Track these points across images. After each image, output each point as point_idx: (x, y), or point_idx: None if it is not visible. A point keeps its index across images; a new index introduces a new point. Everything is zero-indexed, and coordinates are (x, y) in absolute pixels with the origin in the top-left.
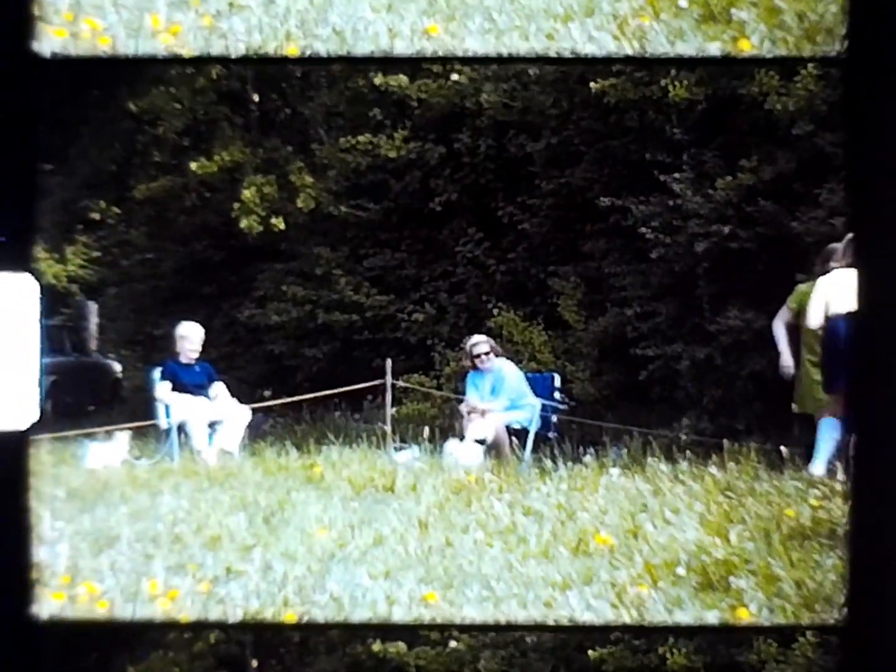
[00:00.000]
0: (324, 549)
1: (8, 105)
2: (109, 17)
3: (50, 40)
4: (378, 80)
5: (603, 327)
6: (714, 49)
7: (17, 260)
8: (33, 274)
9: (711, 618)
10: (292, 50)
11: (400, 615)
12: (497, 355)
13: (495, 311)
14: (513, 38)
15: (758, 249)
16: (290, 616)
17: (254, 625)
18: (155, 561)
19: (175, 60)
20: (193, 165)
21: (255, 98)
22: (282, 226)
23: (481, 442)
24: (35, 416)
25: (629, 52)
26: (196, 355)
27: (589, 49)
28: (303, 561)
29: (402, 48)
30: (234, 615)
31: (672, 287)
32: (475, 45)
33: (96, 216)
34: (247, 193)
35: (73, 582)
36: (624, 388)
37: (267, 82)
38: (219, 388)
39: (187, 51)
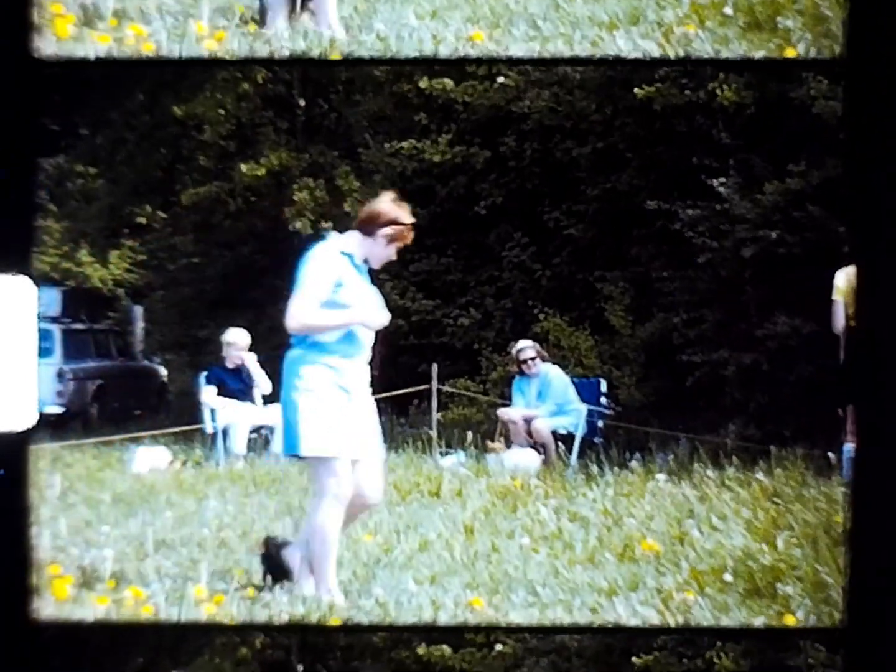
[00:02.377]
0: (369, 554)
1: (7, 106)
2: (154, 22)
3: (95, 45)
4: (423, 83)
5: (650, 332)
6: (759, 57)
7: (16, 262)
8: (31, 276)
9: (759, 624)
10: (336, 55)
11: (445, 620)
12: (543, 360)
13: (541, 316)
14: (557, 45)
15: (805, 255)
16: (335, 621)
17: (298, 627)
18: (200, 565)
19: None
20: (243, 168)
21: (301, 103)
22: (331, 229)
23: (538, 449)
24: (34, 417)
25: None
26: (241, 363)
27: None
28: (348, 566)
29: (446, 55)
30: (280, 620)
31: (719, 292)
32: (519, 52)
33: (143, 221)
34: (301, 196)
35: (118, 586)
36: (670, 393)
37: (312, 87)
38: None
39: (231, 55)
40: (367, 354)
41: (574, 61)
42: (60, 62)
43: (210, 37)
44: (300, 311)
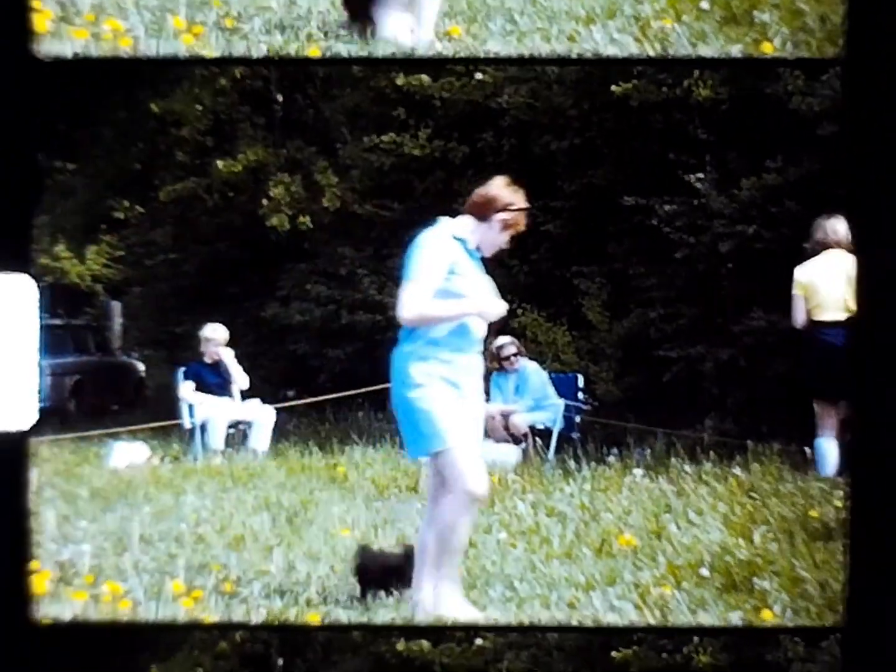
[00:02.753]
0: (347, 549)
1: (7, 106)
2: (132, 18)
3: (71, 41)
4: (400, 80)
5: (627, 328)
6: (736, 52)
7: (16, 260)
8: (31, 275)
9: (735, 619)
10: (314, 51)
11: (423, 615)
12: (521, 356)
13: (519, 312)
14: (535, 40)
15: (782, 250)
16: (313, 616)
17: (276, 627)
18: (178, 560)
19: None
20: (220, 164)
21: (279, 98)
22: (309, 225)
23: (517, 441)
24: (35, 416)
25: (651, 54)
26: (218, 358)
27: (611, 52)
28: (326, 561)
29: (423, 49)
30: (258, 615)
31: (696, 288)
32: (497, 47)
33: (120, 216)
34: (276, 191)
35: (96, 581)
36: (648, 388)
37: (289, 83)
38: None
39: (209, 52)
40: (479, 347)
41: (548, 60)
42: (61, 62)
43: (188, 31)
44: (415, 301)
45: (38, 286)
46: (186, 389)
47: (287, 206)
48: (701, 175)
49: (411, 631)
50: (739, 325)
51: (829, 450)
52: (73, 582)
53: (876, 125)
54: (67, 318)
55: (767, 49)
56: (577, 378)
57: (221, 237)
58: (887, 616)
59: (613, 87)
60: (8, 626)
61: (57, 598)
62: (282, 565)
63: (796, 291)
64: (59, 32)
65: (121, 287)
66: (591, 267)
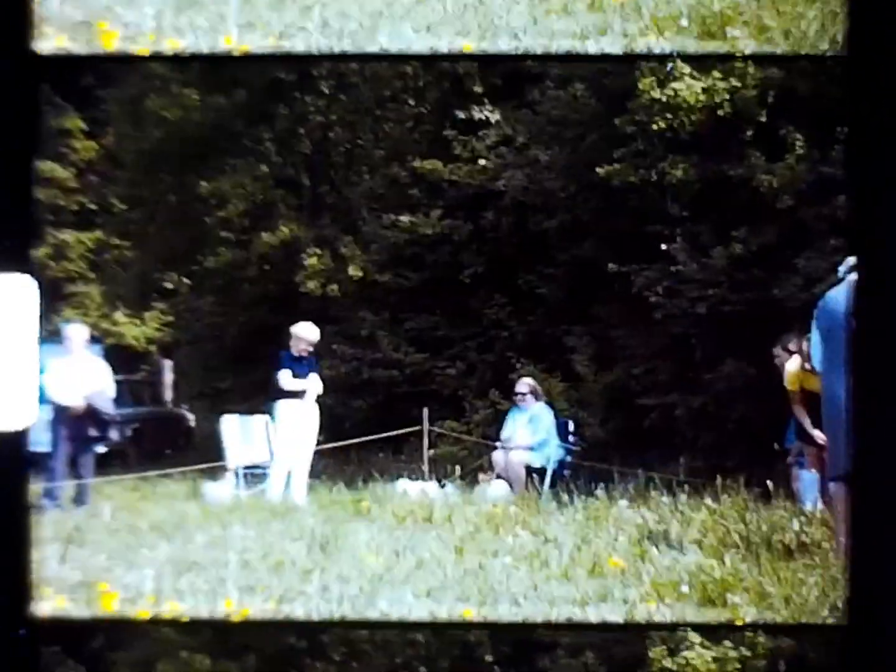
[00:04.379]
0: (373, 572)
1: (7, 106)
2: (188, 36)
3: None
4: (416, 164)
5: (611, 380)
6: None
7: (17, 260)
8: (32, 274)
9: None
10: None
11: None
12: (537, 398)
13: (518, 366)
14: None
15: (747, 311)
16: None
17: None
18: (228, 583)
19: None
20: (263, 236)
21: (307, 183)
22: (337, 292)
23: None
24: (34, 416)
25: None
26: (306, 353)
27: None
28: (355, 582)
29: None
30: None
31: (671, 344)
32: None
33: (170, 286)
34: (311, 262)
35: (157, 601)
36: (629, 432)
37: (316, 169)
38: (315, 380)
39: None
40: None
41: (532, 57)
42: (59, 59)
43: (237, 50)
44: None
45: (102, 347)
46: (286, 377)
47: (319, 275)
48: (675, 245)
49: (413, 626)
50: (711, 373)
51: (812, 482)
52: (138, 602)
53: (876, 121)
54: (126, 374)
55: (738, 62)
56: (567, 423)
57: (259, 304)
58: (887, 616)
59: (597, 170)
60: (7, 626)
61: (124, 616)
62: (317, 586)
63: (787, 385)
64: (123, 50)
65: (171, 347)
66: (579, 326)
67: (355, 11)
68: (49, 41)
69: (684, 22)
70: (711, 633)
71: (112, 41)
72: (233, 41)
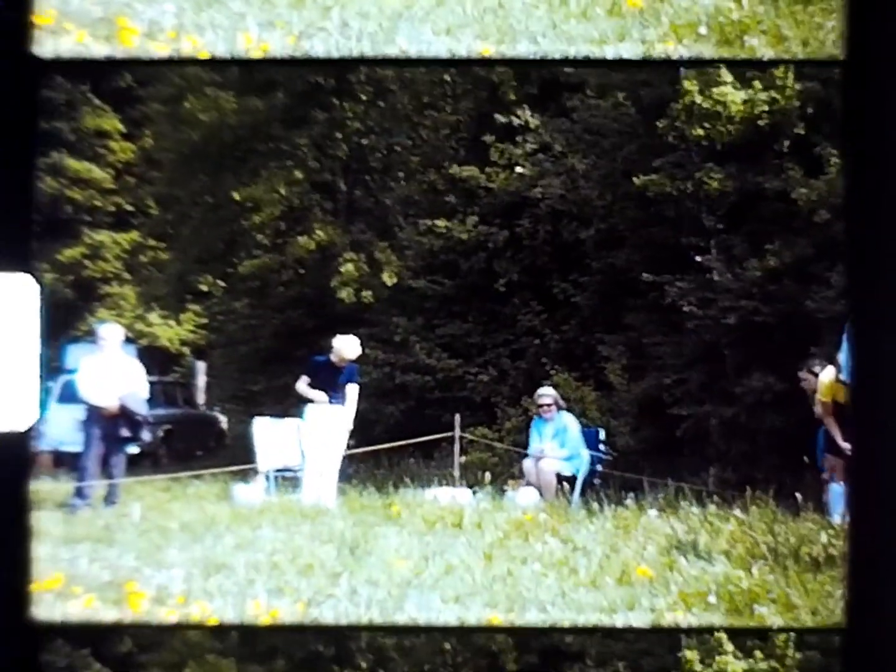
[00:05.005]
0: (402, 576)
1: (7, 107)
2: (207, 34)
3: (154, 55)
4: (452, 170)
5: (643, 389)
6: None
7: (17, 260)
8: (33, 274)
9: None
10: None
11: None
12: (560, 408)
13: (552, 373)
14: (555, 59)
15: (779, 323)
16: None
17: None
18: (256, 585)
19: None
20: (299, 240)
21: (343, 188)
22: (371, 298)
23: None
24: (35, 416)
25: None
26: (345, 364)
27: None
28: (384, 587)
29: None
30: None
31: (703, 354)
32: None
33: (205, 288)
34: (346, 268)
35: (186, 602)
36: (660, 441)
37: (353, 175)
38: (353, 390)
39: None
40: None
41: (549, 62)
42: (60, 62)
43: (257, 48)
44: None
45: (135, 348)
46: (302, 383)
47: (353, 280)
48: (709, 257)
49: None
50: (741, 386)
51: (841, 495)
52: (166, 602)
53: (874, 125)
54: (159, 375)
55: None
56: (598, 432)
57: (293, 307)
58: (887, 616)
59: (634, 180)
60: (7, 626)
61: (152, 617)
62: (346, 590)
63: (820, 397)
64: (144, 48)
65: (205, 349)
66: (612, 335)
67: (375, 12)
68: (69, 37)
69: (703, 30)
70: (707, 635)
71: (132, 38)
72: (252, 40)
